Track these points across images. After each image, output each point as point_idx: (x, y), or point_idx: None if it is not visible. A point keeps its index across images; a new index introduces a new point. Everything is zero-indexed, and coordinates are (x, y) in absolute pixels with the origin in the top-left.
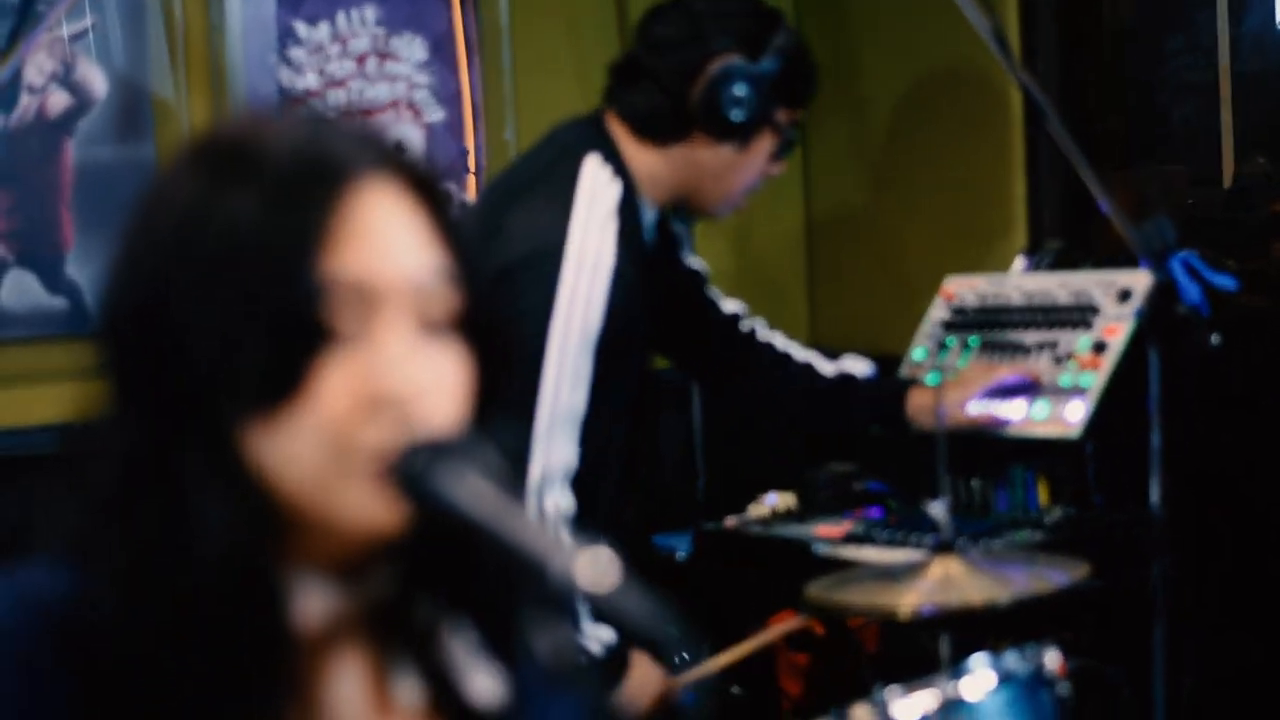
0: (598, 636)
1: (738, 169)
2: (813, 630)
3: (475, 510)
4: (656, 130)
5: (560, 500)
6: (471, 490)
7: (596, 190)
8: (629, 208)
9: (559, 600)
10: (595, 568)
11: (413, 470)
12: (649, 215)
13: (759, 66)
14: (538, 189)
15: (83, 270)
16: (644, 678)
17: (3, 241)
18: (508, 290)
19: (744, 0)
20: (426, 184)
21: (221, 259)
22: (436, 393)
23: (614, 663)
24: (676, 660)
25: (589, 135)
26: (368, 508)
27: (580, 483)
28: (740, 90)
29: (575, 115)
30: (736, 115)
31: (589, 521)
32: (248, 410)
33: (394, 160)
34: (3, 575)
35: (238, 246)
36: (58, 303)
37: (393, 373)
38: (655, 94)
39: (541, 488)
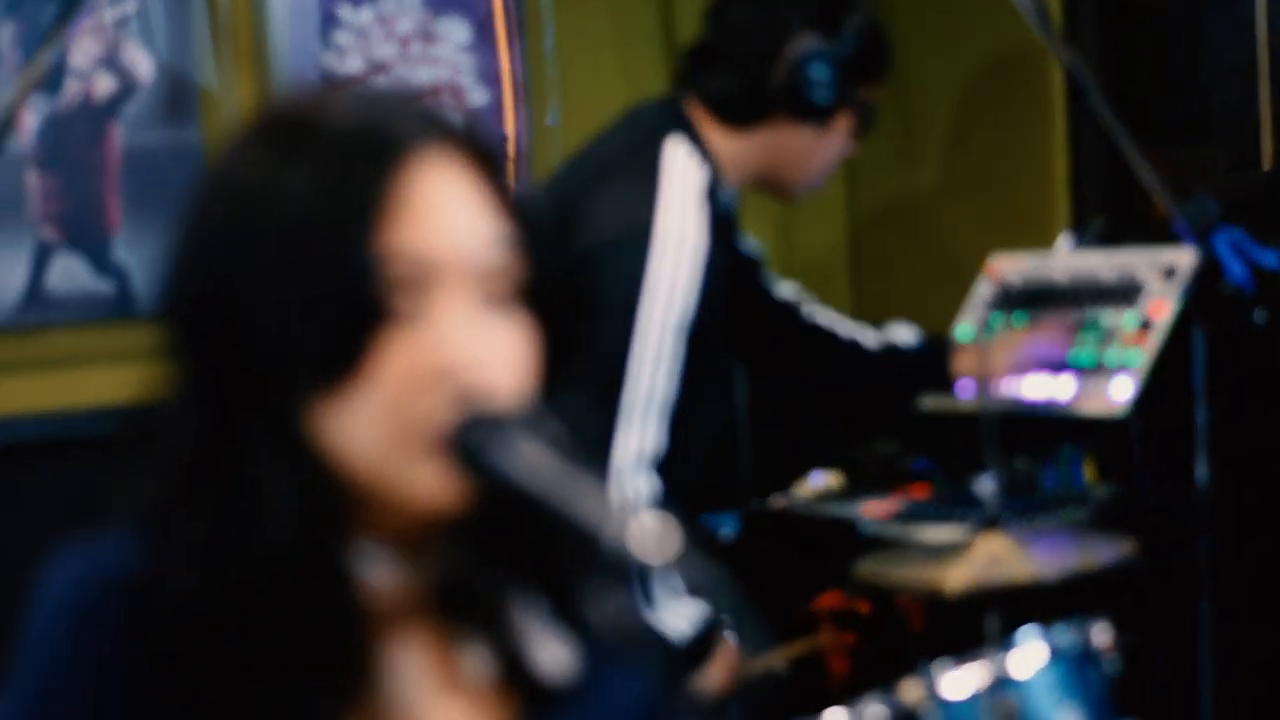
0: (679, 621)
1: (819, 149)
2: (858, 609)
3: (534, 482)
4: (737, 114)
5: (646, 484)
6: (531, 462)
7: (684, 173)
8: (713, 192)
9: (620, 570)
10: (652, 538)
11: (473, 443)
12: (725, 199)
13: (837, 45)
14: (620, 171)
15: (131, 253)
16: (725, 664)
17: (51, 225)
18: (593, 273)
19: None
20: (485, 156)
21: (280, 236)
22: (498, 366)
23: (695, 649)
24: (735, 631)
25: (669, 118)
26: (431, 482)
27: (665, 467)
28: (821, 71)
29: (650, 98)
30: (819, 96)
31: (671, 505)
32: (311, 387)
33: (452, 133)
34: (73, 547)
35: (296, 223)
36: (105, 286)
37: (453, 347)
38: (734, 78)
39: (631, 471)
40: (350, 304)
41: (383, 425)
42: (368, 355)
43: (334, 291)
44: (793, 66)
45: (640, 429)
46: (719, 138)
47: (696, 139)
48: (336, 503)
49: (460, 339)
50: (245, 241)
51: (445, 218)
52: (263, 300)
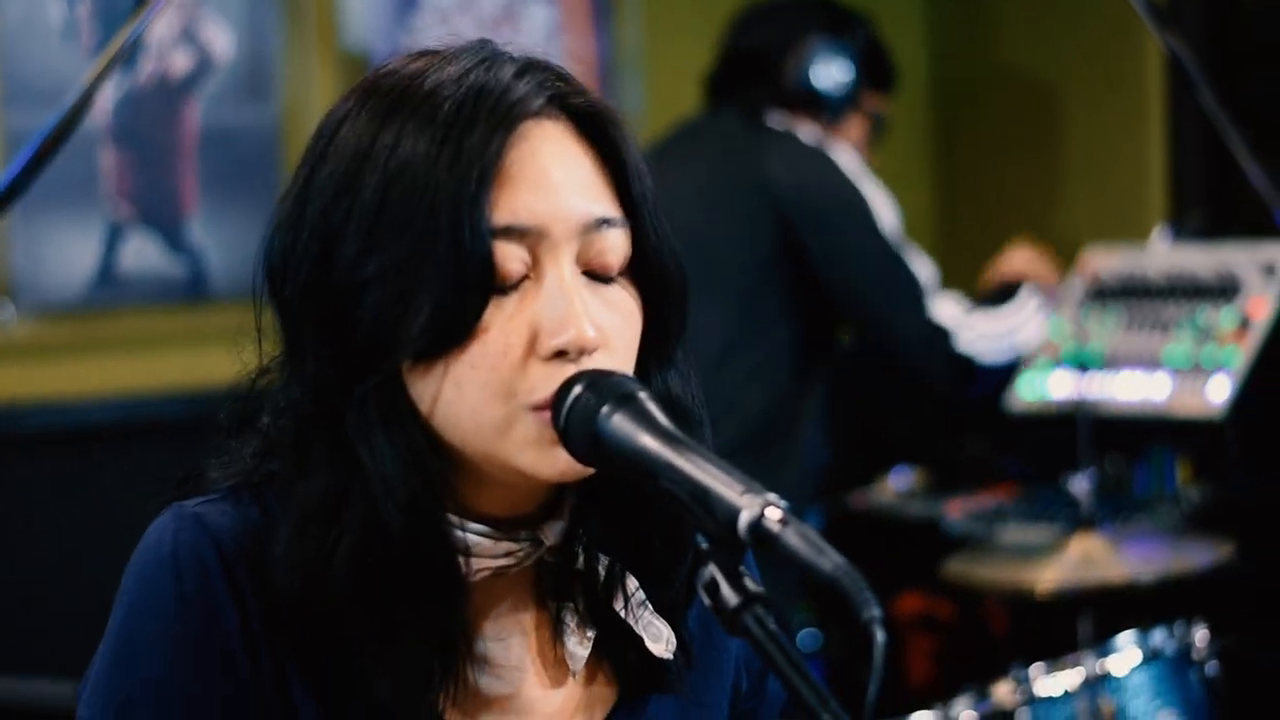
0: None
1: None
2: (939, 613)
3: (644, 452)
4: (762, 113)
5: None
6: (640, 431)
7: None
8: None
9: (726, 540)
10: (764, 509)
11: (578, 411)
12: None
13: (844, 44)
14: (777, 144)
15: (206, 234)
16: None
17: (124, 203)
18: (820, 214)
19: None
20: (599, 123)
21: (393, 203)
22: (605, 335)
23: None
24: (858, 598)
25: (739, 114)
26: (535, 450)
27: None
28: (830, 63)
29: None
30: (827, 89)
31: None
32: (421, 354)
33: (565, 99)
34: (180, 510)
35: (409, 190)
36: (179, 268)
37: (561, 316)
38: (758, 81)
39: (959, 326)
40: (461, 271)
41: (488, 392)
42: (477, 321)
43: (445, 258)
44: (803, 61)
45: (939, 311)
46: None
47: None
48: (442, 471)
49: (568, 308)
50: (358, 208)
51: (556, 186)
52: (374, 266)
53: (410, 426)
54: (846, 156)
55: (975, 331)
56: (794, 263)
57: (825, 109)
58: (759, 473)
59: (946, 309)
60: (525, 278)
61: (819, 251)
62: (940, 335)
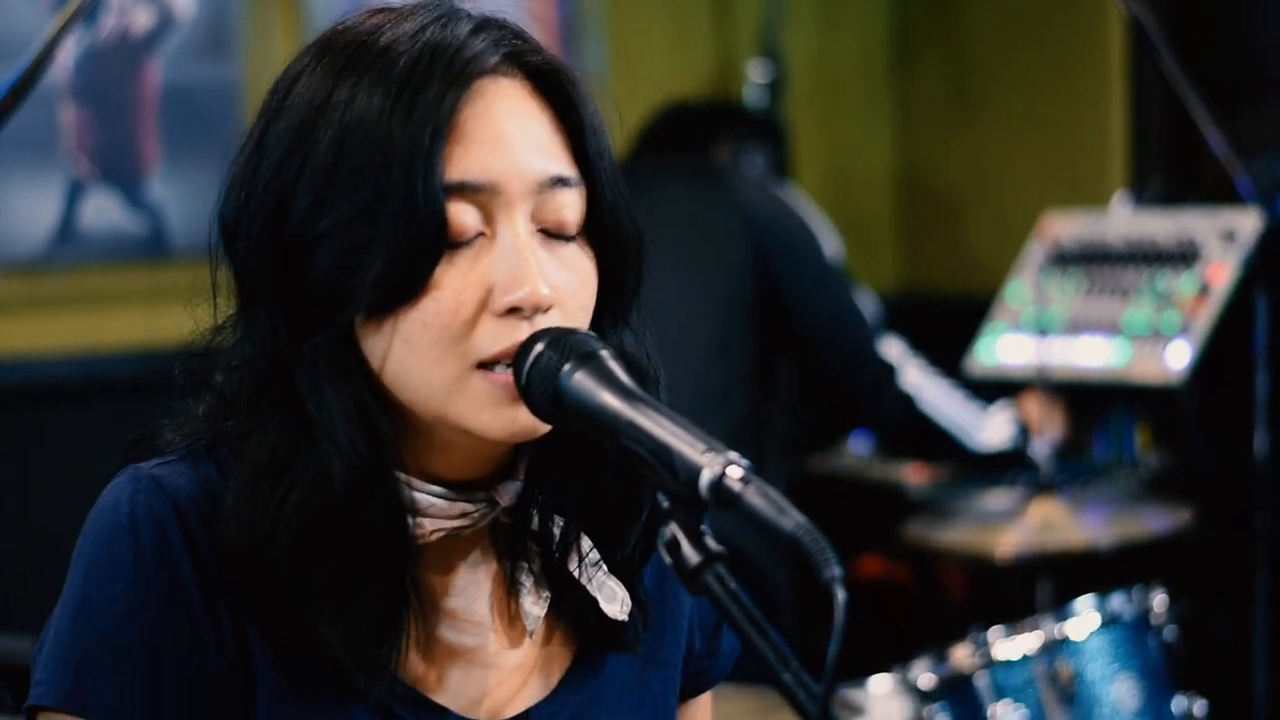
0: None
1: None
2: (897, 577)
3: (605, 409)
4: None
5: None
6: (601, 389)
7: None
8: None
9: (687, 499)
10: (725, 467)
11: (541, 369)
12: None
13: (765, 150)
14: (740, 177)
15: (166, 191)
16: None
17: (85, 159)
18: (782, 244)
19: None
20: (556, 81)
21: (347, 159)
22: (560, 293)
23: None
24: (819, 557)
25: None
26: (487, 410)
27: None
28: (755, 158)
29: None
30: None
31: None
32: (371, 310)
33: (522, 56)
34: (139, 469)
35: (363, 146)
36: (138, 225)
37: (515, 272)
38: (690, 141)
39: (900, 362)
40: (414, 228)
41: (439, 349)
42: (429, 278)
43: (397, 215)
44: (734, 149)
45: (885, 348)
46: None
47: None
48: (392, 430)
49: (522, 265)
50: (312, 164)
51: (510, 143)
52: (326, 222)
53: (359, 383)
54: (793, 194)
55: (944, 406)
56: (761, 283)
57: None
58: None
59: (891, 348)
60: (479, 235)
61: (786, 275)
62: (887, 371)
